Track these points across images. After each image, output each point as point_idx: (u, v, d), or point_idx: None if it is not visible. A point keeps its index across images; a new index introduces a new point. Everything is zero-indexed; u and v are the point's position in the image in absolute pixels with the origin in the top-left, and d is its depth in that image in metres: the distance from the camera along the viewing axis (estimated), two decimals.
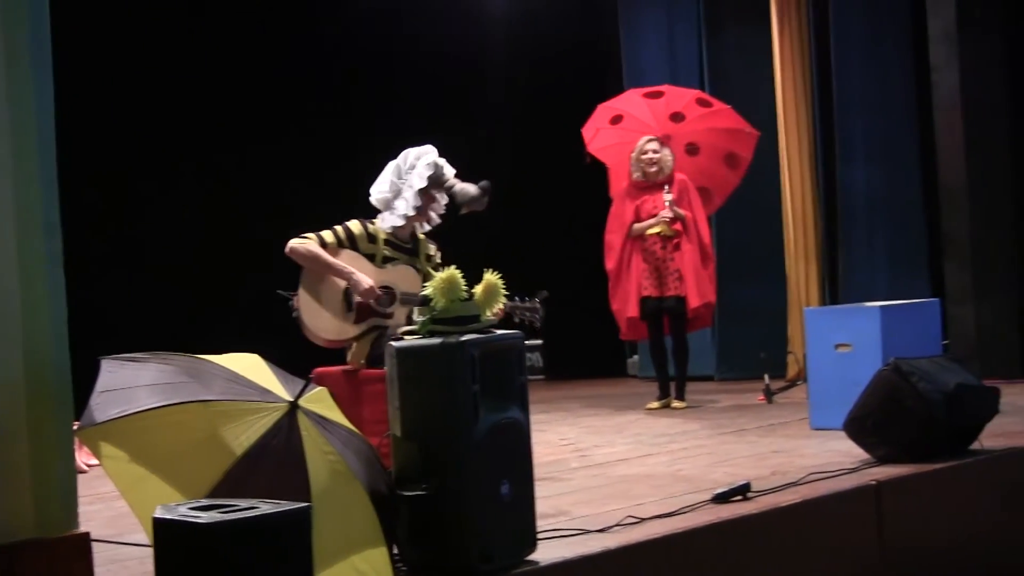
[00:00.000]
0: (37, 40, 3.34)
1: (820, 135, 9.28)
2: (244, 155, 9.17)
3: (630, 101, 8.50)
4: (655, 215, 7.74)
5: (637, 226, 7.81)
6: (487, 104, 10.67)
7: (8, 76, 3.27)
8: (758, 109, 9.47)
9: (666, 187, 7.75)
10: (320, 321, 5.20)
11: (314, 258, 5.17)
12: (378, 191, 5.33)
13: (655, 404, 7.97)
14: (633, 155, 7.89)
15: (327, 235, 5.25)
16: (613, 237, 8.01)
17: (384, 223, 5.32)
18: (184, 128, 8.83)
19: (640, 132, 8.06)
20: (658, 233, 7.75)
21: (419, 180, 5.25)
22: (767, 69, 9.34)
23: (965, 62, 8.11)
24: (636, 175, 7.88)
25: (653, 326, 7.97)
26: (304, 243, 5.20)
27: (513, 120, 10.71)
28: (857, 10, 9.14)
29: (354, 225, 5.32)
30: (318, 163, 9.41)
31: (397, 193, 5.29)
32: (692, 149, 8.21)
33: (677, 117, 8.21)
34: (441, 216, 5.43)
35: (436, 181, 5.30)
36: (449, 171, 5.35)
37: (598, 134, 8.40)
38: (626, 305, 7.90)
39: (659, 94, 8.40)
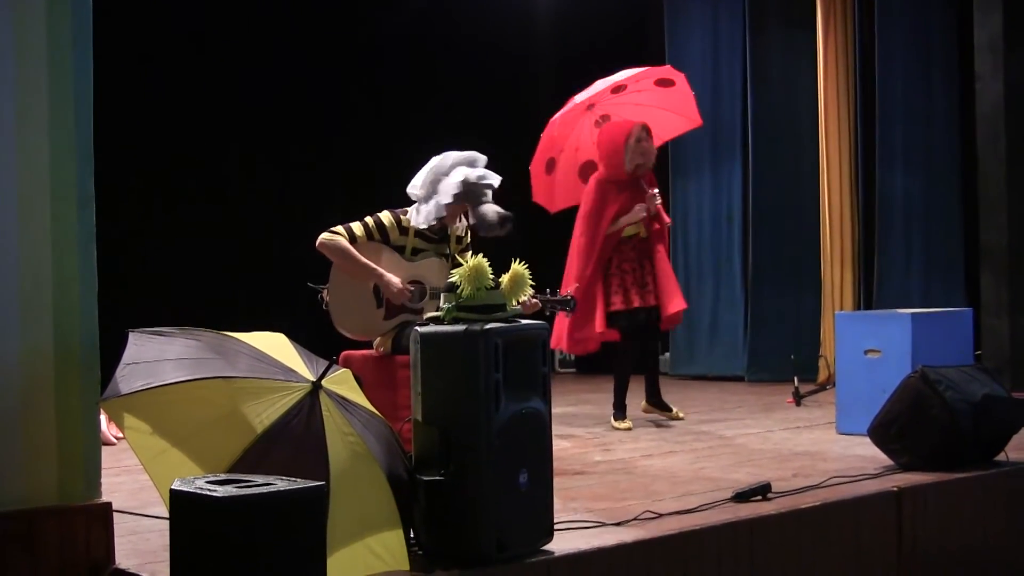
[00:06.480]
0: (78, 22, 3.40)
1: (861, 140, 9.21)
2: (284, 142, 9.23)
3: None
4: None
5: (615, 227, 6.73)
6: (532, 92, 10.65)
7: (50, 56, 3.34)
8: (799, 111, 9.44)
9: (651, 188, 6.79)
10: (351, 316, 5.16)
11: (343, 255, 5.10)
12: (413, 187, 5.25)
13: (627, 423, 6.74)
14: (630, 142, 6.73)
15: (357, 228, 5.16)
16: (588, 240, 6.79)
17: (412, 219, 5.23)
18: (226, 112, 8.88)
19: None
20: (636, 235, 6.81)
21: (446, 196, 5.14)
22: (810, 71, 9.29)
23: (1010, 73, 8.02)
24: (629, 168, 6.74)
25: (639, 337, 6.85)
26: (334, 239, 5.11)
27: (556, 110, 10.69)
28: (903, 17, 9.05)
29: (385, 216, 5.24)
30: (362, 154, 9.45)
31: (428, 197, 5.19)
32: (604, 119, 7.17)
33: (619, 89, 7.24)
34: None
35: (466, 198, 5.18)
36: (494, 180, 5.18)
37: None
38: (592, 320, 6.67)
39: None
